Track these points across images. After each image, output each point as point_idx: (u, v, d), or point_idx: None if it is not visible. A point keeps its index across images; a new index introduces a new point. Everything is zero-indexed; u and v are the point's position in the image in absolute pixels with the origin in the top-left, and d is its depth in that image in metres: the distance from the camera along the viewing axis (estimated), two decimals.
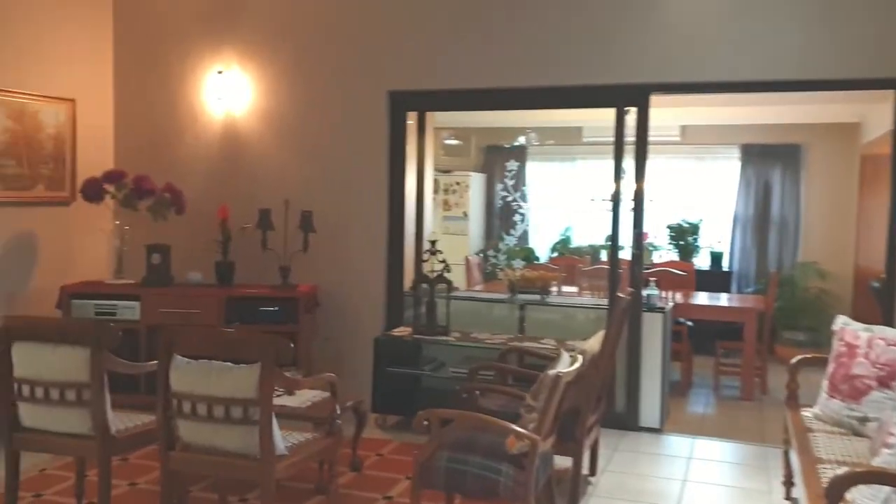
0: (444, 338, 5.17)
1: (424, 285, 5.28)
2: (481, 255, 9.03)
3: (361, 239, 5.73)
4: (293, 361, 5.28)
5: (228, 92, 5.94)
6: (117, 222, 5.67)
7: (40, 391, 3.24)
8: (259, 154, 5.95)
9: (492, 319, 5.77)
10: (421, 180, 5.87)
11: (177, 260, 5.70)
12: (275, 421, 3.06)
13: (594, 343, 3.87)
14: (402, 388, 5.23)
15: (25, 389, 3.27)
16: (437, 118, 7.23)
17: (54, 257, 5.75)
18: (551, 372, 3.21)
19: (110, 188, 5.60)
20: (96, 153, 6.05)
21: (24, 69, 5.48)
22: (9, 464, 3.40)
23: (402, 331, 5.39)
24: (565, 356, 3.47)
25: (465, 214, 9.53)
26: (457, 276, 7.46)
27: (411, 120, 5.83)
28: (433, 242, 5.32)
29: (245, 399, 2.98)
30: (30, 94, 5.52)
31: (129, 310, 5.34)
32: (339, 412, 3.59)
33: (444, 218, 9.47)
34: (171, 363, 3.11)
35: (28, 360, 3.25)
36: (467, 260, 8.20)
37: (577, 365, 3.34)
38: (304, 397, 4.24)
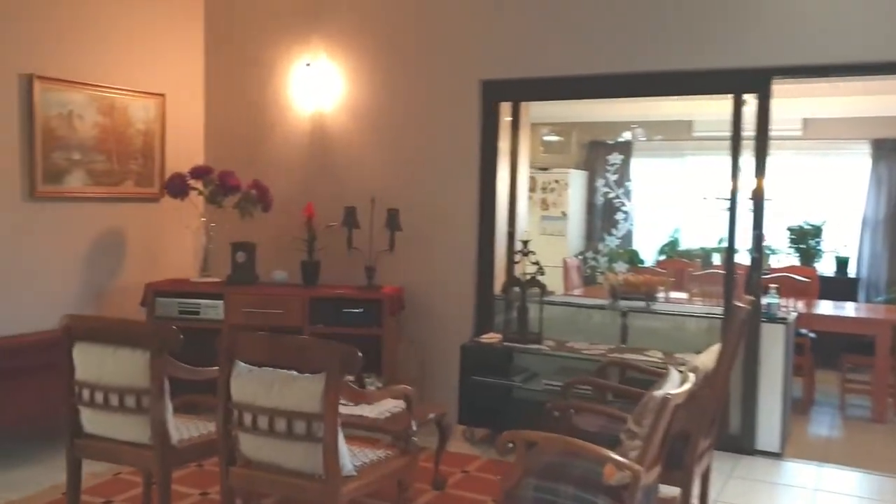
0: (537, 346, 4.78)
1: (516, 289, 4.90)
2: (581, 257, 8.55)
3: (450, 238, 5.40)
4: (374, 367, 5.01)
5: (316, 84, 5.72)
6: (203, 219, 5.54)
7: (100, 396, 3.04)
8: (346, 149, 5.71)
9: (590, 327, 5.31)
10: (514, 177, 5.49)
11: (262, 258, 5.53)
12: (342, 438, 2.75)
13: (708, 358, 3.39)
14: (491, 400, 4.85)
15: (86, 393, 3.09)
16: (536, 113, 6.85)
17: (142, 254, 5.68)
18: (658, 393, 2.77)
19: (197, 184, 5.48)
20: (186, 149, 5.96)
21: (114, 64, 5.42)
22: (70, 471, 3.23)
23: (491, 337, 5.03)
24: (674, 374, 3.02)
25: (564, 214, 9.07)
26: (554, 280, 7.06)
27: (508, 116, 5.45)
28: (525, 243, 4.93)
29: (308, 413, 2.69)
30: (120, 89, 5.46)
31: (213, 309, 5.19)
32: (415, 428, 3.25)
33: (542, 218, 9.04)
34: (232, 370, 2.85)
35: (88, 362, 3.07)
36: (565, 262, 7.75)
37: (688, 385, 2.89)
38: (383, 407, 3.93)
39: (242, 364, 2.85)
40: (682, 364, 3.40)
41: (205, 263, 5.53)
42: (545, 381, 4.76)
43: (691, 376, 2.97)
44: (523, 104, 5.54)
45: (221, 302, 5.19)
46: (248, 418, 2.80)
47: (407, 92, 5.51)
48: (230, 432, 2.88)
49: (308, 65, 5.74)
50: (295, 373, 2.76)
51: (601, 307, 5.37)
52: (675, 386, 2.87)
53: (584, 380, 3.89)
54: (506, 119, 5.43)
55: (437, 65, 5.42)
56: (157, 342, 2.95)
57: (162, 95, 5.78)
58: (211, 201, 5.43)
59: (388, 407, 3.98)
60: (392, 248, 5.25)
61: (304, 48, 5.78)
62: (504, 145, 5.44)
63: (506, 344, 4.85)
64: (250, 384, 2.80)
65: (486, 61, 5.28)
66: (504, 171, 5.46)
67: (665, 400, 2.70)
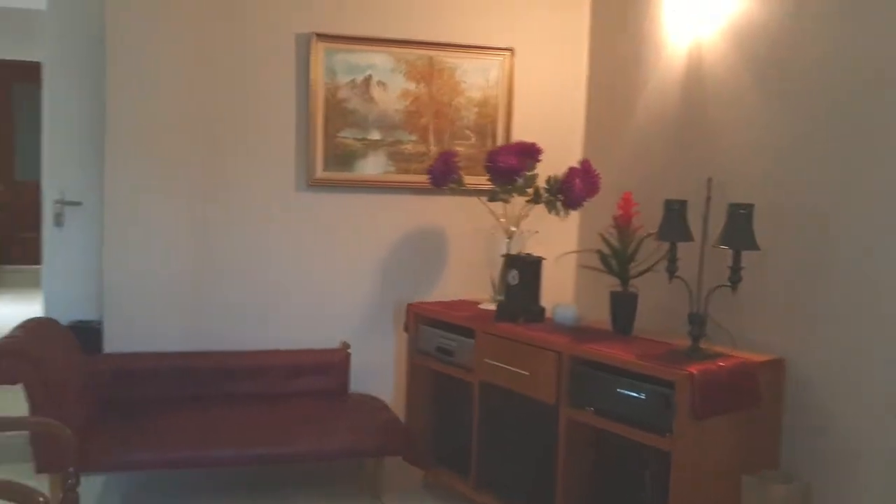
0: None
1: None
2: None
3: (863, 272, 2.47)
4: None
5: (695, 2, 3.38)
6: (502, 219, 3.80)
7: None
8: (715, 103, 3.21)
9: None
10: None
11: (554, 280, 3.53)
12: None
13: None
14: None
15: None
16: None
17: (460, 262, 4.24)
18: None
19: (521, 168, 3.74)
20: (545, 124, 4.25)
21: (432, 9, 4.12)
22: None
23: None
24: None
25: None
26: None
27: None
28: None
29: None
30: (443, 45, 4.13)
31: (466, 353, 3.44)
32: None
33: None
34: None
35: None
36: None
37: None
38: None
39: None
40: None
41: (500, 283, 3.78)
42: None
43: None
44: None
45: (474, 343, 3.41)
46: None
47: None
48: None
49: None
50: None
51: None
52: None
53: None
54: None
55: None
56: None
57: (509, 50, 4.22)
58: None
59: None
60: (735, 284, 2.65)
61: None
62: None
63: None
64: None
65: None
66: None
67: None
